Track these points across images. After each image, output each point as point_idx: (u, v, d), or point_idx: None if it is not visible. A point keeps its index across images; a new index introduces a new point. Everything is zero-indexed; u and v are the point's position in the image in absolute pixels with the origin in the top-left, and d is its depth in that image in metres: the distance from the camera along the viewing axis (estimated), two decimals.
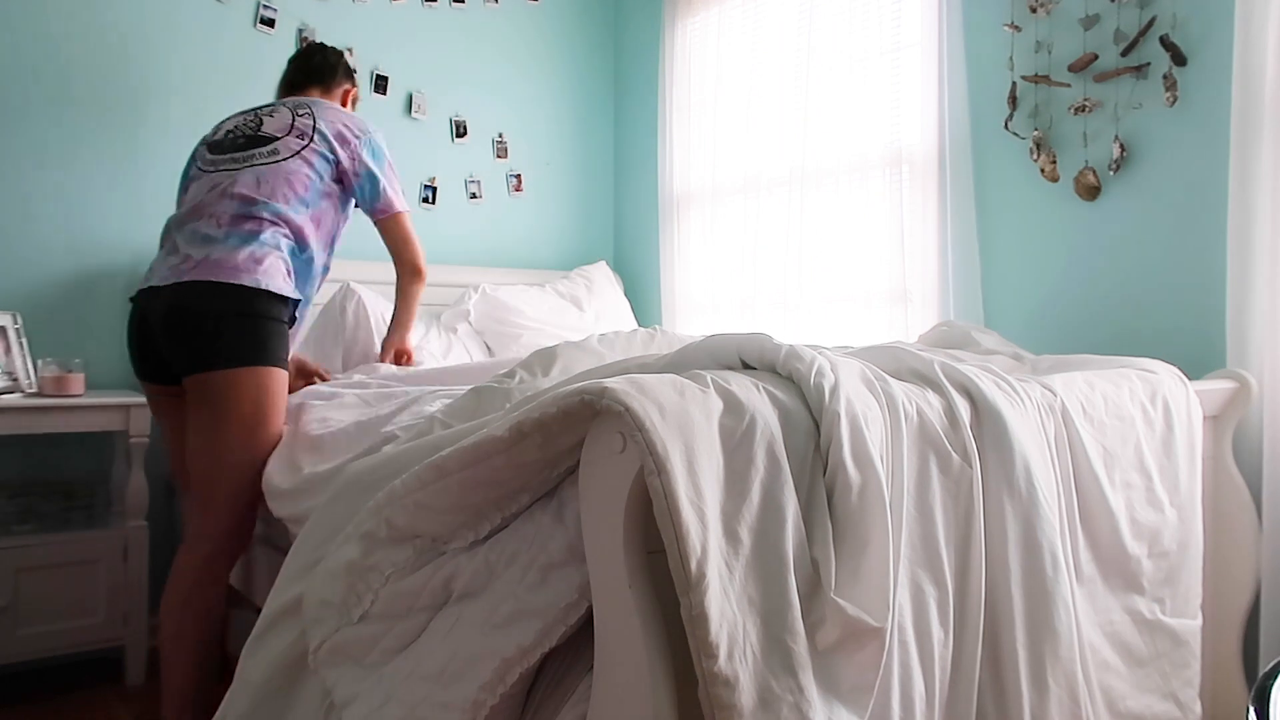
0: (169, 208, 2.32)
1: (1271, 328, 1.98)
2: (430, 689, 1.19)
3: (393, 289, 2.48)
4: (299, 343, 2.39)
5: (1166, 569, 1.68)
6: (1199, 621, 1.73)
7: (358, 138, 2.27)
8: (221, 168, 2.18)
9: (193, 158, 2.29)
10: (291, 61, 2.52)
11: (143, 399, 2.61)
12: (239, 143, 2.22)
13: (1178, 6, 2.19)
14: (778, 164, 3.11)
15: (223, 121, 2.32)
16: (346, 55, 2.57)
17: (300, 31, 3.20)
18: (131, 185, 2.92)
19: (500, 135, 3.66)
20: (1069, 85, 2.38)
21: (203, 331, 2.00)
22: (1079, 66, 2.35)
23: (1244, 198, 2.02)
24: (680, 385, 1.13)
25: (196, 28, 3.04)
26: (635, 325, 3.57)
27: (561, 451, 1.16)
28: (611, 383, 1.07)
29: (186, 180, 2.27)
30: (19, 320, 2.68)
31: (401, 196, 2.36)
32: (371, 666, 1.28)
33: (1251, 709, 1.06)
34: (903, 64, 2.80)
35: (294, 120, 2.25)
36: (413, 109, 3.44)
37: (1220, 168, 2.10)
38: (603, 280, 3.62)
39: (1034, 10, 2.42)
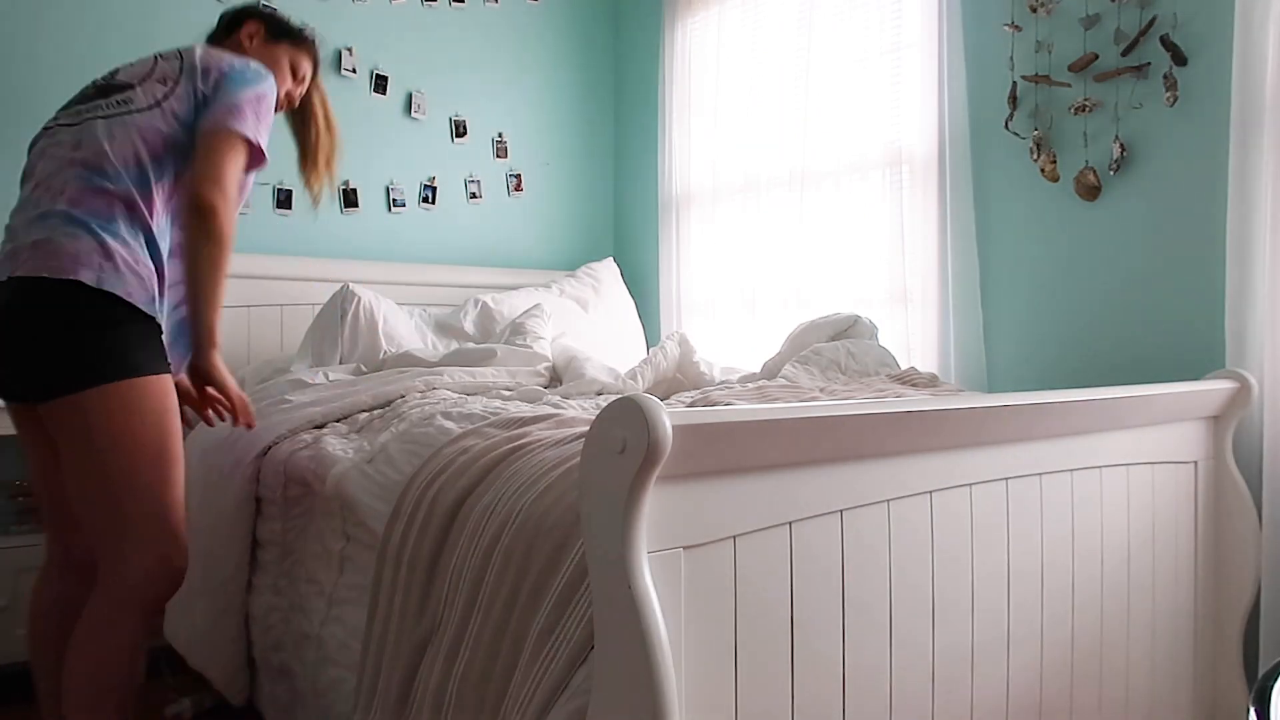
0: None
1: (1271, 328, 1.98)
2: None
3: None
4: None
5: None
6: None
7: (226, 71, 1.75)
8: (61, 123, 1.72)
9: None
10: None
11: None
12: (87, 92, 1.76)
13: (1178, 6, 2.19)
14: (778, 164, 3.10)
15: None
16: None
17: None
18: None
19: (500, 135, 3.66)
20: (1069, 85, 2.38)
21: (35, 347, 1.58)
22: (1079, 66, 2.35)
23: (1244, 198, 2.02)
24: None
25: (197, 27, 3.02)
26: (640, 326, 3.55)
27: None
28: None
29: (31, 162, 1.75)
30: None
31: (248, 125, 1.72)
32: None
33: (1251, 709, 1.06)
34: (903, 64, 2.79)
35: (156, 65, 1.77)
36: (413, 109, 3.44)
37: (1220, 168, 2.10)
38: (610, 279, 3.60)
39: (1034, 10, 2.42)
